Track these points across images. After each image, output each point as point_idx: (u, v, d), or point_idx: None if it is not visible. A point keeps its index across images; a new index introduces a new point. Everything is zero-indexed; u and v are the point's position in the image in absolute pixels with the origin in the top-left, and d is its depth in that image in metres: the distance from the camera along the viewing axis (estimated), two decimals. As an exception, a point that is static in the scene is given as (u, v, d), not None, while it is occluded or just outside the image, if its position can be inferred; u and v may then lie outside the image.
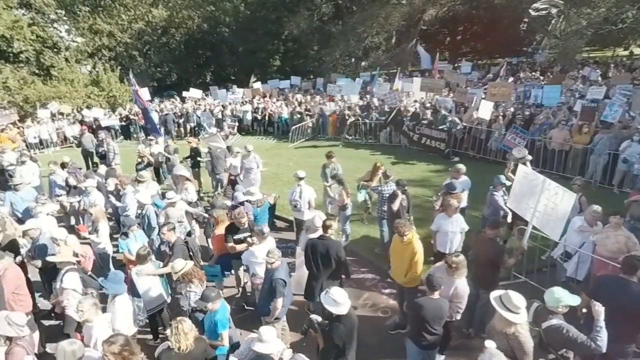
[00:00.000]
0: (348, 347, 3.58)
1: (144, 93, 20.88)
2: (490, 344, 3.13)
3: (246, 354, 3.48)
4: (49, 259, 4.92)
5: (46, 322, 5.48)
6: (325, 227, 4.84)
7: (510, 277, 5.64)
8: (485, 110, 10.94)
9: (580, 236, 5.07)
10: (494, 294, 3.42)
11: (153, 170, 9.94)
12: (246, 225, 5.52)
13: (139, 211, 6.64)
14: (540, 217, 4.69)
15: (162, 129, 15.32)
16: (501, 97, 12.41)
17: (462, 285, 4.09)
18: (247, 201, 6.51)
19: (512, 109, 11.87)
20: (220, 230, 5.62)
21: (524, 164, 6.46)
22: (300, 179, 6.66)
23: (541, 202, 4.62)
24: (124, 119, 18.86)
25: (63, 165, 8.78)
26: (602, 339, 3.16)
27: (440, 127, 11.73)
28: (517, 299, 3.25)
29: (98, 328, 3.69)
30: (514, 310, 3.22)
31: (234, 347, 4.05)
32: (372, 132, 14.30)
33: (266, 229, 5.06)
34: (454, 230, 5.28)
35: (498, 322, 3.33)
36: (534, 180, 4.82)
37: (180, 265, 4.47)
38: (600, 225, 5.06)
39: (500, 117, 11.19)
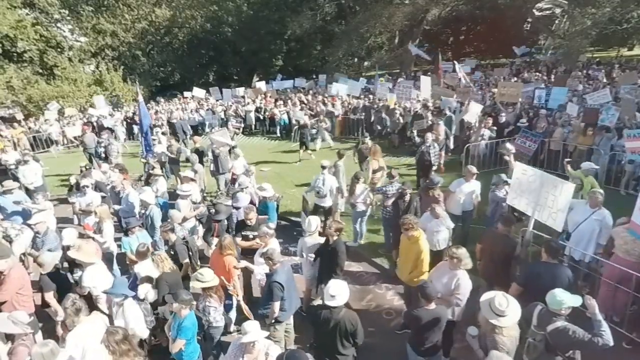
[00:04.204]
0: (323, 338, 3.70)
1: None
2: (472, 330, 3.43)
3: (234, 354, 3.47)
4: (71, 254, 4.88)
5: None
6: (341, 230, 5.02)
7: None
8: (472, 113, 10.55)
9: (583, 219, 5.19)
10: (484, 297, 3.44)
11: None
12: (254, 223, 5.52)
13: (142, 211, 6.63)
14: (541, 211, 4.76)
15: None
16: (510, 97, 12.19)
17: (464, 277, 4.08)
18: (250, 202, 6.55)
19: (504, 115, 11.43)
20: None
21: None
22: (324, 167, 7.20)
23: (542, 195, 4.69)
24: (129, 119, 18.84)
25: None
26: (607, 332, 3.16)
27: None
28: (502, 302, 3.27)
29: (70, 341, 3.58)
30: (498, 313, 3.25)
31: None
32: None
33: (273, 225, 5.09)
34: (439, 229, 5.34)
35: (482, 322, 3.42)
36: (532, 175, 4.91)
37: (209, 276, 4.28)
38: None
39: (490, 121, 10.48)
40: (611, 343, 3.15)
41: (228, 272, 4.78)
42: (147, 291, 4.43)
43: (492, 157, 10.06)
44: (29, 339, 3.70)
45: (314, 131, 13.57)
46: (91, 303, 4.50)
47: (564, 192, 4.50)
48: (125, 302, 4.11)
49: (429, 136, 8.72)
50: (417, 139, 9.20)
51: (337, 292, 3.62)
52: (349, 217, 7.35)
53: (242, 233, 5.45)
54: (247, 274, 5.65)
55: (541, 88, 13.71)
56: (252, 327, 3.39)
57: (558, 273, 4.00)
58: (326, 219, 7.04)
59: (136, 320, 4.09)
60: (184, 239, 5.37)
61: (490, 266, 4.70)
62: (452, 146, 11.25)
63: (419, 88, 15.05)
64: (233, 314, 5.17)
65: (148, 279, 4.58)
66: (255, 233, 5.47)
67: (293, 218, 8.43)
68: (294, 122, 15.24)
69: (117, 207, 7.23)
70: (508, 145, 7.99)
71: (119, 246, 6.11)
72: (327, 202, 7.17)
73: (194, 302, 3.96)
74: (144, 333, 4.17)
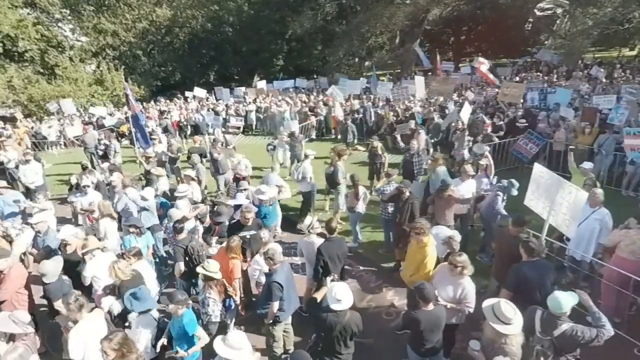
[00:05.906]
0: (328, 341, 3.64)
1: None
2: (475, 344, 3.32)
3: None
4: (81, 252, 4.89)
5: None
6: (332, 229, 4.92)
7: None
8: (466, 112, 10.40)
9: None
10: (486, 303, 3.40)
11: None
12: (251, 223, 5.48)
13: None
14: (555, 215, 4.72)
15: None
16: (512, 97, 12.11)
17: (469, 284, 4.05)
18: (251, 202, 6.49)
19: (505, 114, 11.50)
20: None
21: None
22: (307, 156, 8.09)
23: (557, 200, 4.65)
24: (128, 119, 18.82)
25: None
26: (606, 322, 3.20)
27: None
28: (508, 309, 3.22)
29: (73, 338, 3.55)
30: (505, 321, 3.20)
31: None
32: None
33: (265, 234, 4.94)
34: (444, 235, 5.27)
35: (488, 330, 3.32)
36: (549, 179, 4.85)
37: (214, 268, 4.30)
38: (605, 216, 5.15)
39: (489, 127, 10.42)
40: (612, 332, 3.21)
41: (231, 272, 4.77)
42: (111, 304, 4.27)
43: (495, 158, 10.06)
44: (30, 338, 3.69)
45: (275, 142, 11.26)
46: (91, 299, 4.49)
47: (577, 200, 4.44)
48: (140, 317, 3.95)
49: (415, 145, 8.36)
50: (402, 144, 9.12)
51: (343, 296, 3.57)
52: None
53: (240, 234, 5.32)
54: (245, 272, 5.64)
55: (533, 89, 13.58)
56: (237, 342, 3.14)
57: (542, 269, 4.01)
58: (306, 200, 7.98)
59: (141, 336, 3.87)
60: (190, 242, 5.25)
61: (500, 266, 4.71)
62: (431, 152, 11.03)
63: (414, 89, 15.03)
64: (232, 314, 5.16)
65: (112, 290, 4.41)
66: (252, 232, 5.45)
67: (294, 218, 8.42)
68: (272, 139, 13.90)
69: (118, 206, 7.22)
70: (477, 147, 8.04)
71: (120, 245, 6.10)
72: (304, 187, 7.86)
73: (189, 302, 3.93)
74: (146, 353, 3.89)
